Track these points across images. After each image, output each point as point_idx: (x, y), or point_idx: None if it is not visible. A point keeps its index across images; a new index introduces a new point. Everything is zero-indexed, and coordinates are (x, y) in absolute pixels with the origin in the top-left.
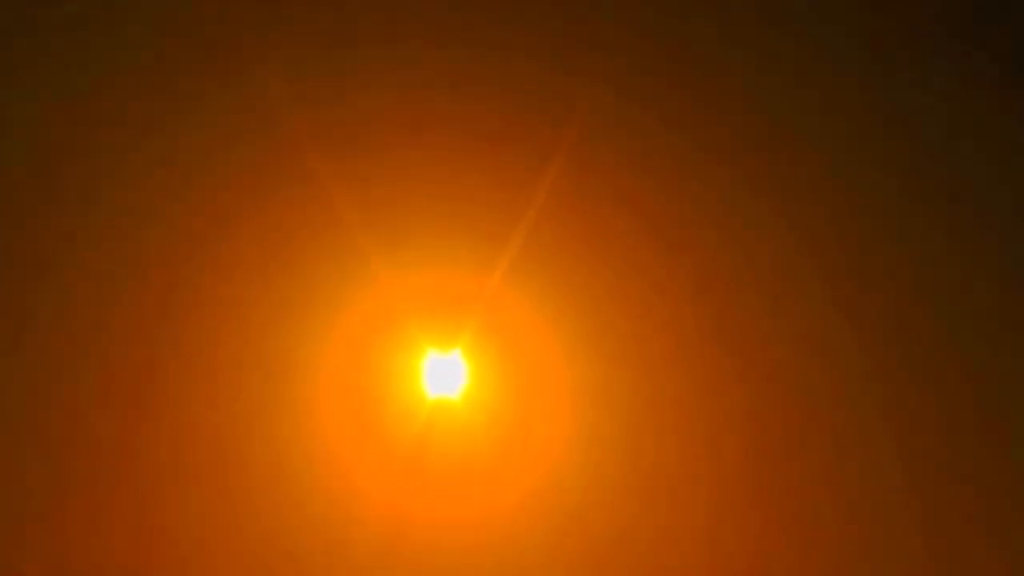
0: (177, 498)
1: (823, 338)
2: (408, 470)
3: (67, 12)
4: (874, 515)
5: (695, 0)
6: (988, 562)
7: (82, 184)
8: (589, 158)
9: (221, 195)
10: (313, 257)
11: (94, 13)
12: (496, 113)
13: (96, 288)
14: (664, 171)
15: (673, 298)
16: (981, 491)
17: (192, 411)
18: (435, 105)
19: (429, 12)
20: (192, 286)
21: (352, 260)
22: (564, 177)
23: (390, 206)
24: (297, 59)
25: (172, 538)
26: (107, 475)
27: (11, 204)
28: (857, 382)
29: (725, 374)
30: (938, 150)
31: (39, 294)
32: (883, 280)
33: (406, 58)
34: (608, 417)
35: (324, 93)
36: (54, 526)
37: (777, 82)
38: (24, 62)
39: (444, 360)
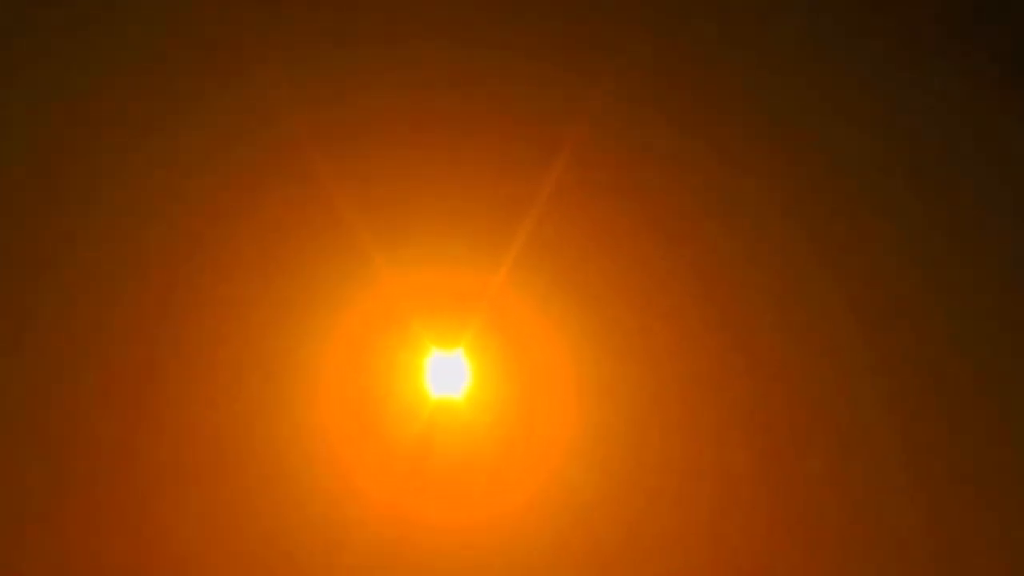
0: (177, 498)
1: (829, 335)
2: (410, 470)
3: (68, 12)
4: (880, 512)
5: (698, 2)
6: (991, 558)
7: (82, 184)
8: (592, 156)
9: (222, 194)
10: (315, 256)
11: (94, 13)
12: (498, 111)
13: (96, 288)
14: (669, 169)
15: (678, 296)
16: (986, 487)
17: (193, 410)
18: (437, 103)
19: (431, 11)
20: (192, 285)
21: (354, 259)
22: (567, 175)
23: (392, 205)
24: (298, 58)
25: (172, 538)
26: (107, 475)
27: (11, 203)
28: (862, 377)
29: (731, 372)
30: (938, 150)
31: (39, 294)
32: (885, 276)
33: (407, 56)
34: (613, 416)
35: (325, 92)
36: (54, 526)
37: (778, 81)
38: (25, 62)
39: (447, 359)
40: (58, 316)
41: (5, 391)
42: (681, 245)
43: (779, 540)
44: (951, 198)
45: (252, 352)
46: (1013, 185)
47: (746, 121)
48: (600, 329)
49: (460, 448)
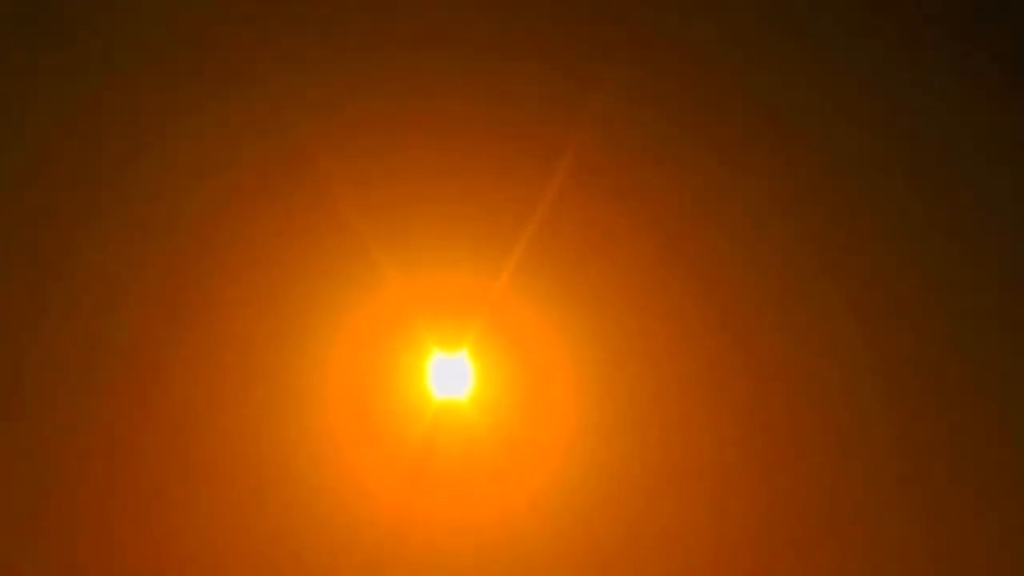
0: (185, 499)
1: (829, 335)
2: (414, 471)
3: (73, 15)
4: (880, 512)
5: (698, 2)
6: (991, 558)
7: (89, 188)
8: (596, 159)
9: (227, 198)
10: (320, 259)
11: (105, 16)
12: (502, 115)
13: (103, 291)
14: (671, 171)
15: (680, 297)
16: (986, 487)
17: (199, 413)
18: (440, 108)
19: (437, 16)
20: (198, 288)
21: (358, 261)
22: (571, 178)
23: (396, 208)
24: (303, 63)
25: (179, 539)
26: (115, 476)
27: (20, 206)
28: (862, 377)
29: (732, 373)
30: (938, 150)
31: (47, 297)
32: (885, 276)
33: (410, 61)
34: (615, 417)
35: (329, 96)
36: (63, 527)
37: (778, 81)
38: (34, 62)
39: (450, 361)
40: (66, 319)
41: (15, 393)
42: (683, 247)
43: (779, 540)
44: (951, 198)
45: (258, 354)
46: (1013, 185)
47: (746, 121)
48: (602, 331)
49: (463, 449)
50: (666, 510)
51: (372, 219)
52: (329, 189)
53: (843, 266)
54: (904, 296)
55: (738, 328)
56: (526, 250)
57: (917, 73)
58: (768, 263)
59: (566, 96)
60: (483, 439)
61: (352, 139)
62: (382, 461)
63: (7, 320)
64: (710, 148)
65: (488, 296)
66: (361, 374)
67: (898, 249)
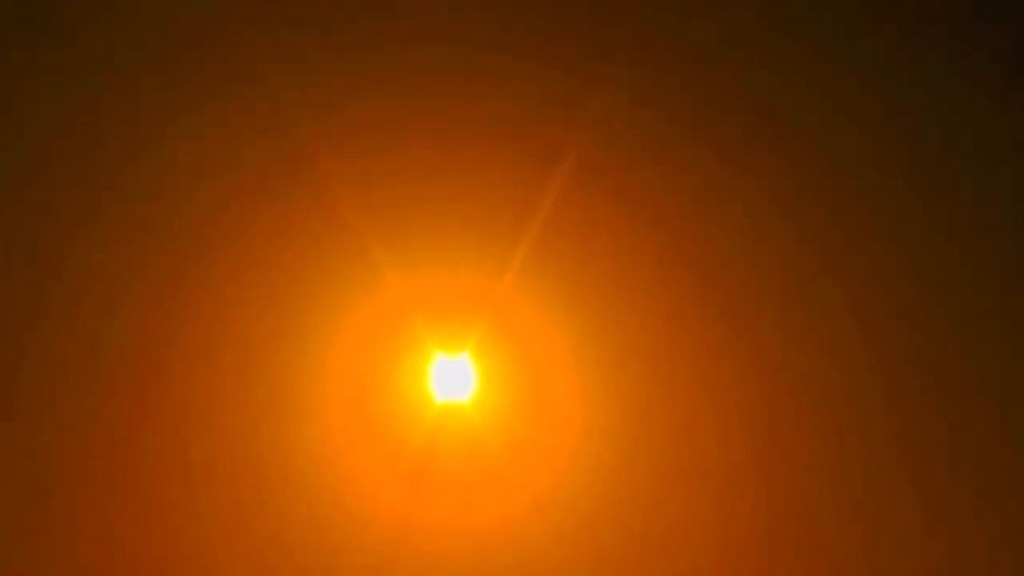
0: (184, 500)
1: (833, 341)
2: (416, 475)
3: (74, 16)
4: (880, 512)
5: (698, 2)
6: (991, 558)
7: (89, 187)
8: (599, 161)
9: (228, 198)
10: (321, 260)
11: (105, 16)
12: (504, 116)
13: (104, 290)
14: (675, 174)
15: (682, 299)
16: (986, 487)
17: (200, 414)
18: (440, 107)
19: (437, 16)
20: (199, 289)
21: (360, 263)
22: (573, 180)
23: (398, 209)
24: (305, 63)
25: (179, 541)
26: (116, 477)
27: (21, 206)
28: (862, 377)
29: (735, 377)
30: (938, 150)
31: (47, 296)
32: (885, 276)
33: (412, 62)
34: (618, 420)
35: (331, 97)
36: (64, 527)
37: (778, 81)
38: (34, 62)
39: (452, 364)
40: (66, 319)
41: (15, 393)
42: (686, 249)
43: (784, 542)
44: (951, 198)
45: (259, 356)
46: (1013, 185)
47: (746, 121)
48: (605, 333)
49: (465, 453)
50: (669, 512)
51: (373, 219)
52: (329, 189)
53: (843, 265)
54: (904, 296)
55: (741, 328)
56: (529, 252)
57: (917, 73)
58: (775, 268)
59: (566, 96)
60: (485, 442)
61: (352, 139)
62: (384, 464)
63: (7, 320)
64: (710, 148)
65: (490, 298)
66: (362, 376)
67: (898, 249)
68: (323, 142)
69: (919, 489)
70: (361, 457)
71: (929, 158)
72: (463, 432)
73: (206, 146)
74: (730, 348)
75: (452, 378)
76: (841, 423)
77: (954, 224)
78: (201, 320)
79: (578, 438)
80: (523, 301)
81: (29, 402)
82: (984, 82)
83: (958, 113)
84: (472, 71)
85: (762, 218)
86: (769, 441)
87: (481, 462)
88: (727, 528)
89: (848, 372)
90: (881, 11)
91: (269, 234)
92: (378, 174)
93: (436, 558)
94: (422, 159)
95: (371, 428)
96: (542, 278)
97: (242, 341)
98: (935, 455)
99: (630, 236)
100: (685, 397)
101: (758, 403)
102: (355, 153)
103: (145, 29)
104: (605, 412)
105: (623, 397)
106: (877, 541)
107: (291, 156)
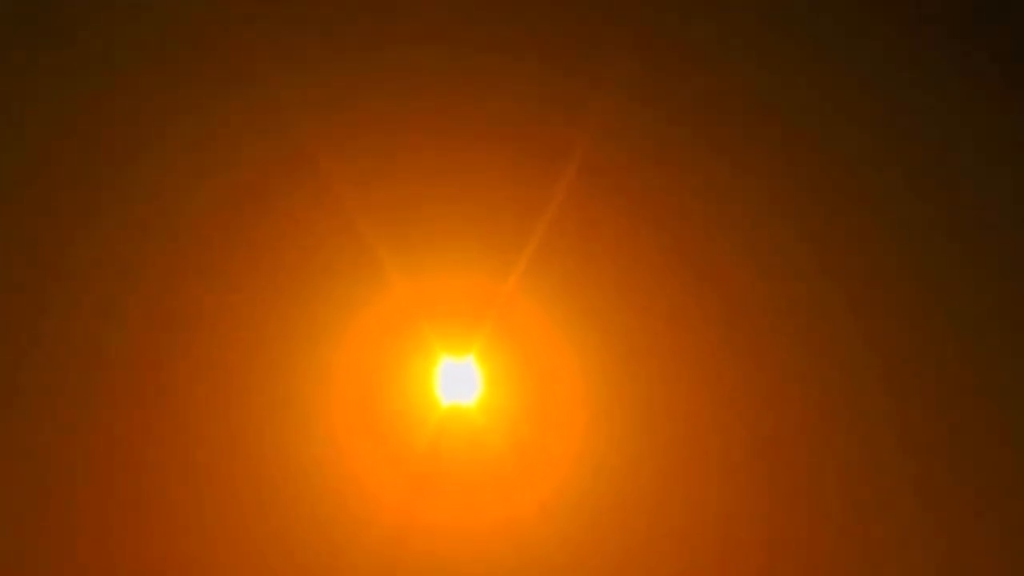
0: (186, 501)
1: (834, 341)
2: (421, 478)
3: (74, 16)
4: (881, 512)
5: (698, 2)
6: (991, 558)
7: (89, 187)
8: (603, 163)
9: (232, 200)
10: (326, 263)
11: (105, 16)
12: (509, 117)
13: (104, 290)
14: (680, 176)
15: (687, 301)
16: (986, 487)
17: (205, 416)
18: (448, 109)
19: (437, 15)
20: (204, 291)
21: (365, 266)
22: (578, 182)
23: (403, 211)
24: (307, 63)
25: (180, 541)
26: (119, 477)
27: (23, 207)
28: (862, 377)
29: (740, 378)
30: (938, 150)
31: (47, 296)
32: (885, 276)
33: (418, 61)
34: (623, 422)
35: (334, 98)
36: (65, 528)
37: (778, 81)
38: (34, 62)
39: (458, 366)
40: (66, 319)
41: (17, 394)
42: (692, 251)
43: (788, 542)
44: (951, 198)
45: (264, 358)
46: (1013, 185)
47: (746, 121)
48: (610, 336)
49: (471, 455)
50: (675, 515)
51: (376, 221)
52: (331, 190)
53: (843, 266)
54: (904, 296)
55: (743, 329)
56: (534, 254)
57: (917, 73)
58: (769, 263)
59: (567, 96)
60: (491, 445)
61: (353, 139)
62: (389, 467)
63: (7, 320)
64: (710, 148)
65: (496, 301)
66: (367, 379)
67: (898, 249)
68: (323, 142)
69: (919, 489)
70: (366, 459)
71: (929, 158)
72: (468, 434)
73: (206, 146)
74: (733, 349)
75: (458, 381)
76: (842, 423)
77: (954, 224)
78: (202, 321)
79: (583, 440)
80: (529, 303)
81: (29, 402)
82: (984, 82)
83: (958, 113)
84: (472, 71)
85: (762, 218)
86: (772, 442)
87: (486, 464)
88: (731, 529)
89: (848, 372)
90: (881, 11)
91: (270, 235)
92: (379, 175)
93: (441, 560)
94: (423, 159)
95: (376, 430)
96: (548, 280)
97: (245, 343)
98: (935, 455)
99: (632, 236)
100: (689, 398)
101: (761, 404)
102: (356, 153)
103: (145, 29)
104: (609, 414)
105: (628, 399)
106: (878, 541)
107: (291, 156)
